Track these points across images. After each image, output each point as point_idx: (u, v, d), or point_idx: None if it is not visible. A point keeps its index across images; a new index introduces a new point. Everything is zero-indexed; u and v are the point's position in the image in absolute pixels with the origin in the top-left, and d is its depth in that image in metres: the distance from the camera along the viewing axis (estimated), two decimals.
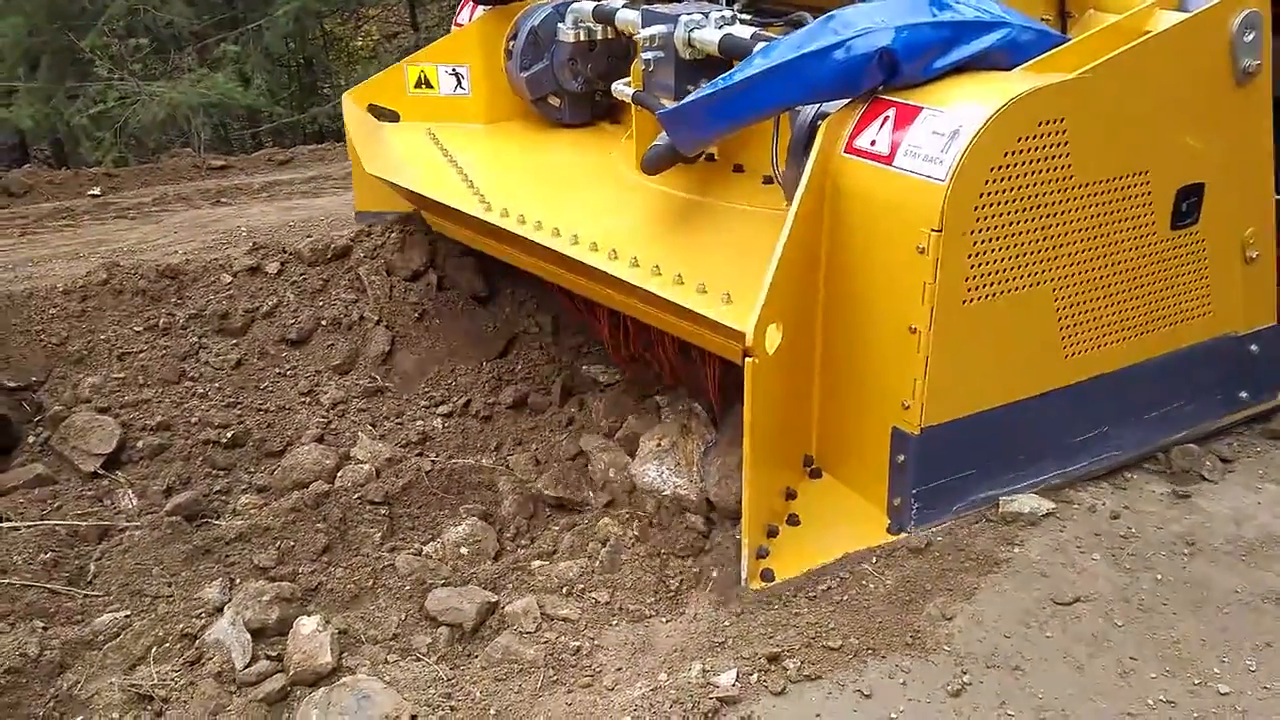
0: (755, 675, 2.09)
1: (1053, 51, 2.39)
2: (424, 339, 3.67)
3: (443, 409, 3.47)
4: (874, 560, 2.38)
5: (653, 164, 2.96)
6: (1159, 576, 2.34)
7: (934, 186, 2.20)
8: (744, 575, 2.31)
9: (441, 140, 3.77)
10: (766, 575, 2.32)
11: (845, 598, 2.29)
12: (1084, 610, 2.23)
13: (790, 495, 2.54)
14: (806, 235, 2.37)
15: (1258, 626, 2.22)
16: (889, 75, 2.35)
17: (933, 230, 2.21)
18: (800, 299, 2.43)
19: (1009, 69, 2.37)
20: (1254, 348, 2.88)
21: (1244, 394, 2.93)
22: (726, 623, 2.27)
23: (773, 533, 2.42)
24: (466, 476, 3.10)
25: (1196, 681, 2.07)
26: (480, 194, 3.25)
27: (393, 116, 3.97)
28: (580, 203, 3.32)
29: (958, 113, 2.23)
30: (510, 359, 3.68)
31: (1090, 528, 2.49)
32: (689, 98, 2.62)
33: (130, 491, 3.04)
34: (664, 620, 2.40)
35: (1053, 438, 2.57)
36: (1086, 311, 2.50)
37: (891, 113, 2.35)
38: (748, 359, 2.18)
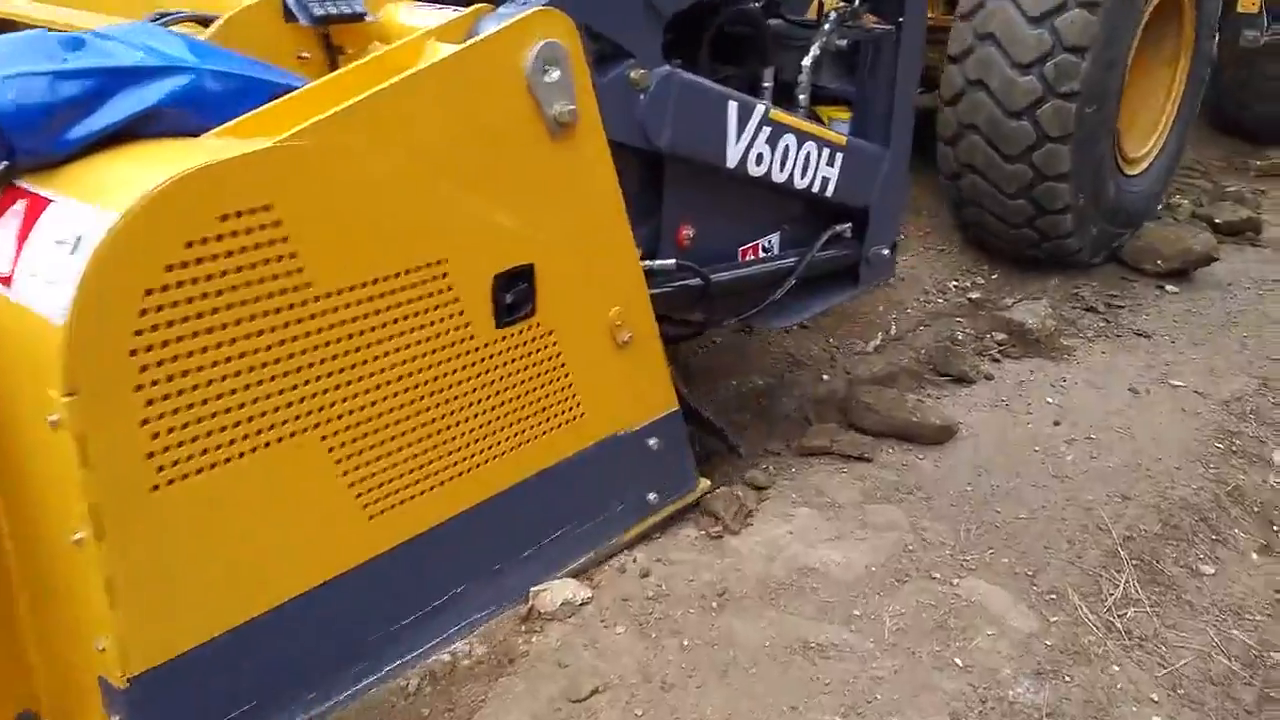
0: None
1: (274, 104, 1.67)
2: None
3: None
4: None
5: None
6: (685, 642, 2.19)
7: (52, 329, 1.39)
8: None
9: None
10: None
11: None
12: (602, 704, 2.02)
13: None
14: None
15: (784, 684, 2.10)
16: (6, 153, 1.51)
17: (63, 395, 1.40)
18: None
19: (197, 133, 1.62)
20: (653, 442, 2.41)
21: (653, 495, 2.47)
22: None
23: None
24: None
25: None
26: None
27: None
28: None
29: (85, 212, 1.45)
30: None
31: (618, 593, 2.30)
32: None
33: None
34: None
35: (375, 626, 1.90)
36: (392, 454, 1.85)
37: (21, 207, 1.53)
38: None
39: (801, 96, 2.86)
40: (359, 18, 1.99)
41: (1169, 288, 4.49)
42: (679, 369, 3.56)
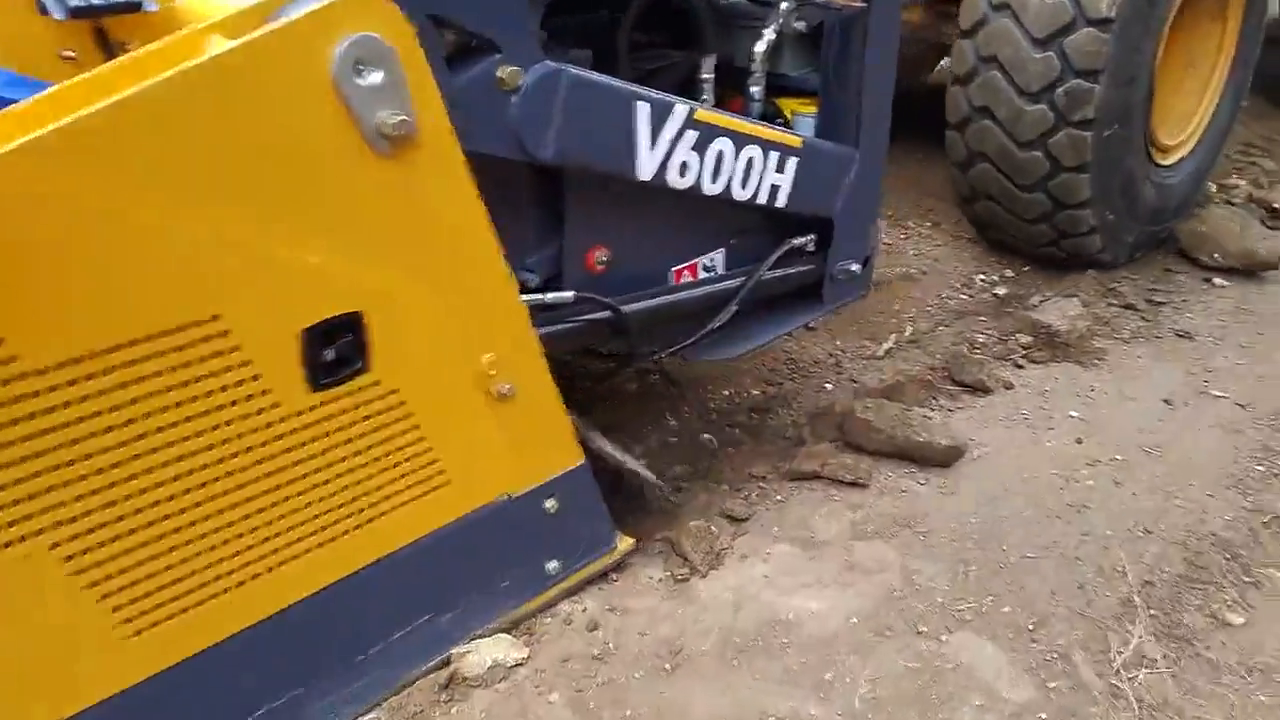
0: None
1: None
2: None
3: None
4: None
5: None
6: (628, 713, 1.96)
7: None
8: None
9: None
10: None
11: None
12: None
13: None
14: None
15: None
16: None
17: None
18: None
19: None
20: (550, 504, 2.09)
21: (553, 564, 2.17)
22: None
23: None
24: None
25: None
26: None
27: None
28: None
29: None
30: None
31: (559, 652, 2.07)
32: None
33: None
34: None
35: None
36: (162, 558, 1.52)
37: None
38: None
39: (754, 89, 2.42)
40: (133, 8, 1.61)
41: (1218, 281, 4.08)
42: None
